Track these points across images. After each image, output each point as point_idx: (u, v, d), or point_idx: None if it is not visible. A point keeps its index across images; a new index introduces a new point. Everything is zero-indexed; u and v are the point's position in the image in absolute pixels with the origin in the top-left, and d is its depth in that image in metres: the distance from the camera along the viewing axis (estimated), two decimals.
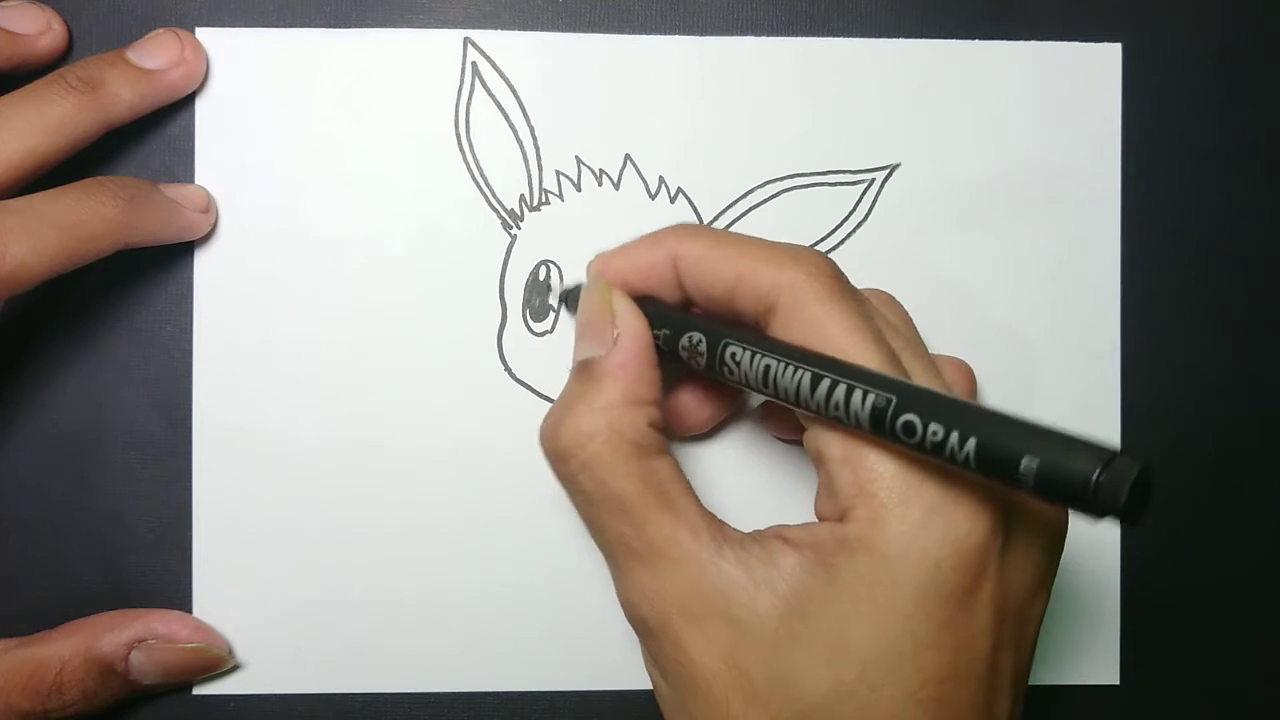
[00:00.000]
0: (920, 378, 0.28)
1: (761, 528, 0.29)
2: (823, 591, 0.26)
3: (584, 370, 0.29)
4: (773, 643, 0.26)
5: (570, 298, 0.35)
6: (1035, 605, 0.28)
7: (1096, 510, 0.22)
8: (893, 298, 0.33)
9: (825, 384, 0.26)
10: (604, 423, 0.28)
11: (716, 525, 0.28)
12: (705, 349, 0.29)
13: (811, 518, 0.28)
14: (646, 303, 0.30)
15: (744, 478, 0.36)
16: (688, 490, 0.28)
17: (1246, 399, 0.37)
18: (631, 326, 0.29)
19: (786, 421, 0.34)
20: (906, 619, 0.26)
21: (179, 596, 0.35)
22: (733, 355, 0.28)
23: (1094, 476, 0.22)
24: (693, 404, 0.34)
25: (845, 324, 0.27)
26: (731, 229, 0.36)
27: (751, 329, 0.29)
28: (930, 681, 0.26)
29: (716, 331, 0.29)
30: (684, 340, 0.29)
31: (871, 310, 0.29)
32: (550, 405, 0.29)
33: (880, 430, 0.25)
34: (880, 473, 0.26)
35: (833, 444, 0.27)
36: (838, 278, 0.28)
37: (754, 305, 0.28)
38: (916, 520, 0.26)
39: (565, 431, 0.28)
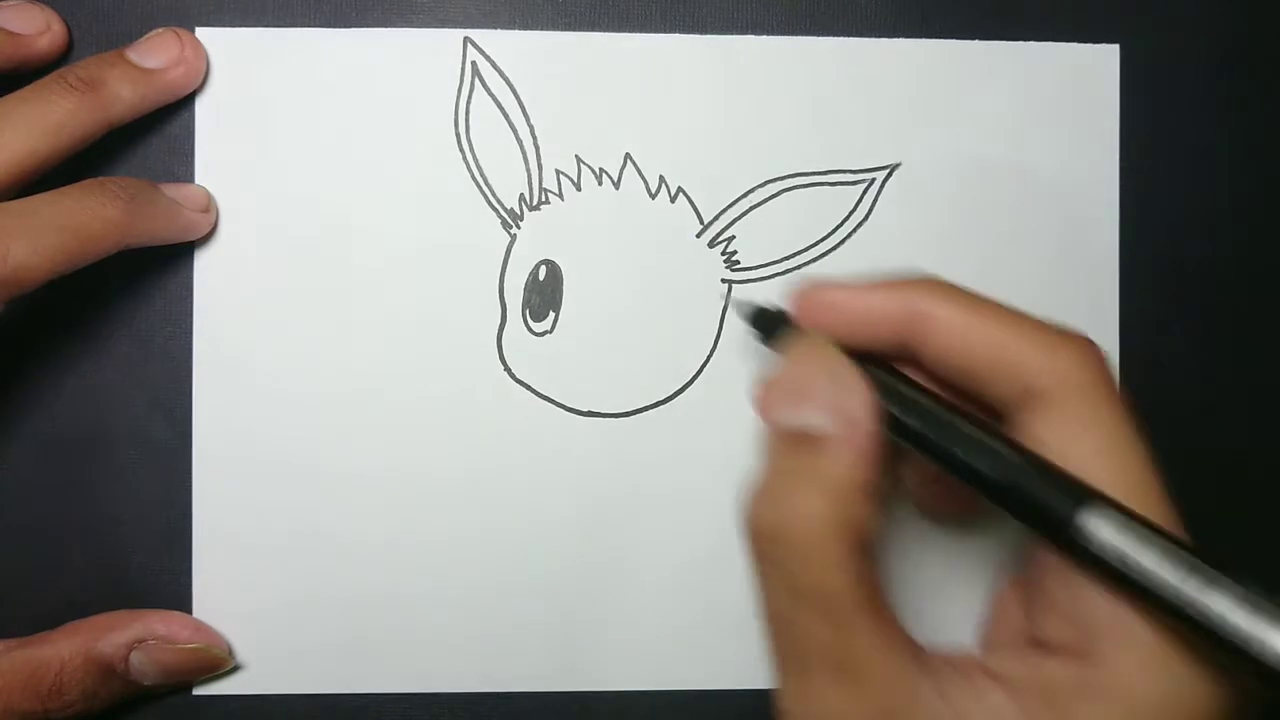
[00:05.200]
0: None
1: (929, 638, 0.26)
2: None
3: (805, 444, 0.26)
4: None
5: (763, 320, 0.31)
6: None
7: None
8: None
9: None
10: (834, 511, 0.24)
11: (916, 646, 0.25)
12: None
13: (958, 612, 0.26)
14: (867, 366, 0.27)
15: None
16: (889, 600, 0.25)
17: (1246, 399, 0.37)
18: (866, 399, 0.26)
19: (948, 495, 0.31)
20: None
21: (179, 597, 0.35)
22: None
23: None
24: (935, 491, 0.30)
25: (1120, 436, 0.25)
26: (732, 228, 0.36)
27: (988, 411, 0.26)
28: None
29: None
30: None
31: None
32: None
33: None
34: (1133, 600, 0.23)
35: (1070, 558, 0.24)
36: (1114, 380, 0.26)
37: (1015, 390, 0.25)
38: (1184, 670, 0.23)
39: (784, 512, 0.25)
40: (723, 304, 0.36)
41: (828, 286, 0.28)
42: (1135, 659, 0.23)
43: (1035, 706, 0.23)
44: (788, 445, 0.26)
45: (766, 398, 0.27)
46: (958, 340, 0.26)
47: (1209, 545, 0.37)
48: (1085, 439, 0.24)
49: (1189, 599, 0.22)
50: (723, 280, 0.36)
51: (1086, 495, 0.23)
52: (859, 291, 0.28)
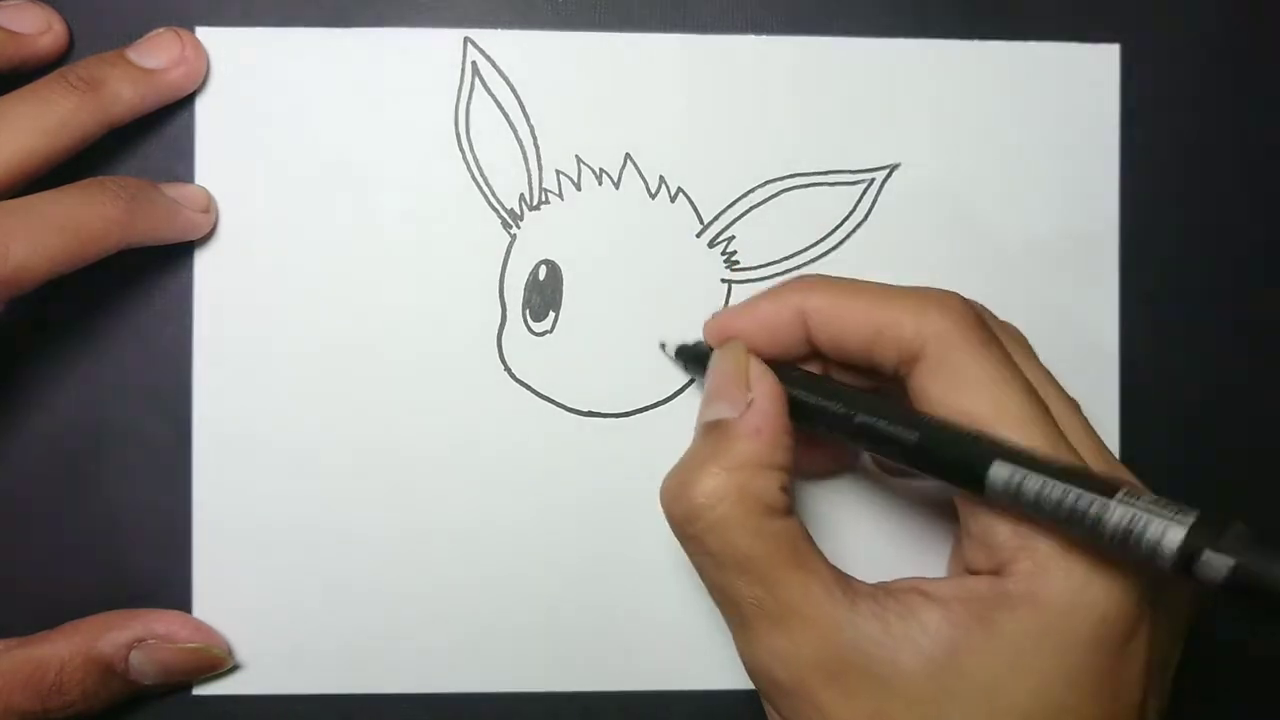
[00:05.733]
0: (1061, 419, 0.28)
1: (875, 574, 0.29)
2: (979, 646, 0.26)
3: (715, 431, 0.29)
4: (921, 699, 0.26)
5: (688, 355, 0.34)
6: (1175, 649, 0.28)
7: None
8: (1016, 329, 0.32)
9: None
10: (735, 484, 0.28)
11: (847, 581, 0.28)
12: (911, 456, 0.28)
13: (923, 562, 0.28)
14: (780, 369, 0.30)
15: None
16: (815, 548, 0.28)
17: (1247, 399, 0.37)
18: (768, 390, 0.29)
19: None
20: (1071, 672, 0.26)
21: (179, 596, 0.35)
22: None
23: None
24: (812, 453, 0.33)
25: (994, 374, 0.27)
26: (732, 228, 0.36)
27: (889, 379, 0.29)
28: None
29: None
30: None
31: (1013, 350, 0.29)
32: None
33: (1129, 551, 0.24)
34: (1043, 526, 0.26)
35: (989, 502, 0.26)
36: (982, 322, 0.28)
37: (896, 356, 0.28)
38: (1082, 573, 0.25)
39: (693, 492, 0.28)
40: (723, 304, 0.36)
41: (724, 313, 0.32)
42: (1037, 570, 0.26)
43: (962, 618, 0.26)
44: (702, 435, 0.29)
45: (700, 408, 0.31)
46: (838, 323, 0.29)
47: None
48: (961, 383, 0.27)
49: (1082, 518, 0.24)
50: (723, 280, 0.36)
51: (986, 448, 0.26)
52: (749, 307, 0.31)
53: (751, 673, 0.29)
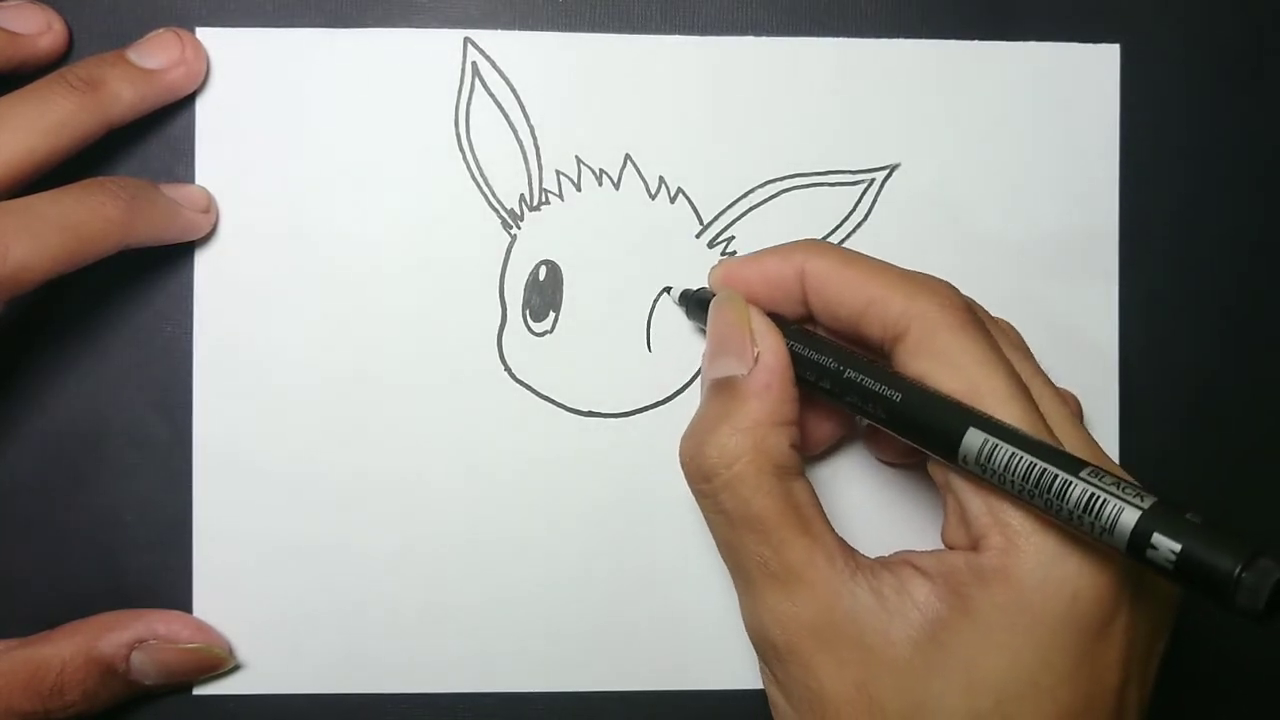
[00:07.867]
0: (1046, 407, 0.28)
1: (874, 551, 0.29)
2: (958, 621, 0.26)
3: (725, 388, 0.29)
4: (905, 671, 0.26)
5: (689, 301, 0.35)
6: (1159, 639, 0.28)
7: (1235, 608, 0.22)
8: (1012, 326, 0.33)
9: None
10: (750, 443, 0.28)
11: (849, 551, 0.28)
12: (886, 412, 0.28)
13: (920, 539, 0.28)
14: (778, 321, 0.31)
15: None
16: (823, 514, 0.29)
17: (1247, 399, 0.37)
18: (773, 345, 0.30)
19: (894, 445, 0.34)
20: (1044, 650, 0.26)
21: (179, 597, 0.35)
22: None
23: (1236, 573, 0.22)
24: (810, 425, 0.34)
25: (976, 355, 0.27)
26: (732, 228, 0.36)
27: (875, 353, 0.30)
28: (1065, 714, 0.26)
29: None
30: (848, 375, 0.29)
31: (1003, 341, 0.29)
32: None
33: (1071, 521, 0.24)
34: (1013, 499, 0.26)
35: (963, 471, 0.27)
36: (970, 309, 0.29)
37: (882, 331, 0.29)
38: (1053, 549, 0.26)
39: (710, 451, 0.28)
40: None
41: (731, 262, 0.32)
42: (1009, 545, 0.26)
43: (944, 593, 0.27)
44: (712, 393, 0.30)
45: (705, 361, 0.31)
46: (834, 290, 0.30)
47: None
48: (942, 363, 0.27)
49: (1051, 499, 0.25)
50: None
51: (964, 415, 0.26)
52: (756, 260, 0.31)
53: (751, 634, 0.29)
